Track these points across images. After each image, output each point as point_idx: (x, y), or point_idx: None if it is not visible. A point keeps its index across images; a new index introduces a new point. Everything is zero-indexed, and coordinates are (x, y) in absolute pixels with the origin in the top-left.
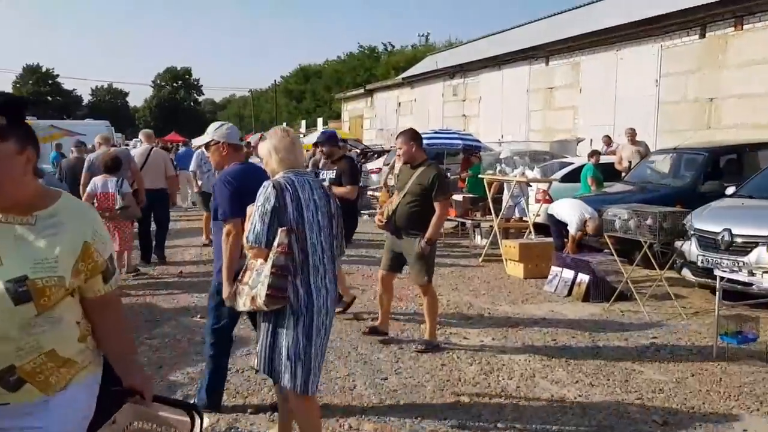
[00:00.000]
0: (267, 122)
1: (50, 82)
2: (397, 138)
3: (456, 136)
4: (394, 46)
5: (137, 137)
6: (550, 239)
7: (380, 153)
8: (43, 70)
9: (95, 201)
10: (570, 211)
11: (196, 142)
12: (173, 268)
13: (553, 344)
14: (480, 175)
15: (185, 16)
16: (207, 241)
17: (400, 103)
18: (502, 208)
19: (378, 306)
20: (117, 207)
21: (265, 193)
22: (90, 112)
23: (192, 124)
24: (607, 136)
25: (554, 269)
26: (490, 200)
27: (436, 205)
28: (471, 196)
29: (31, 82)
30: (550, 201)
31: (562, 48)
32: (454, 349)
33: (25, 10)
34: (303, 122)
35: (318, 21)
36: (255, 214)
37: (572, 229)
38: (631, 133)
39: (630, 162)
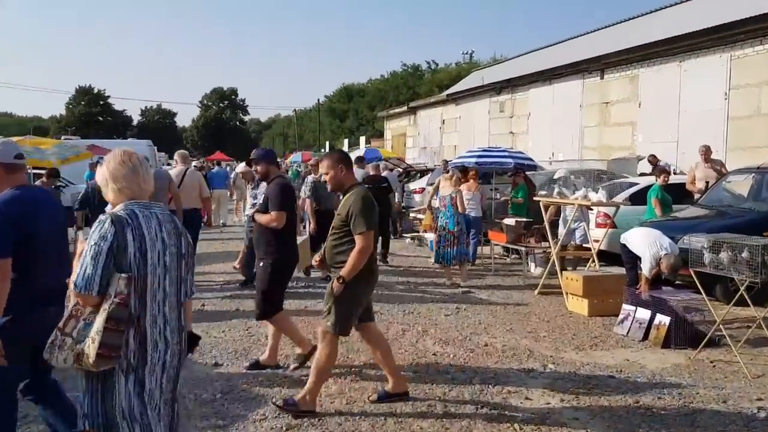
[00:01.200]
0: (311, 141)
1: (101, 102)
2: (322, 160)
3: (506, 154)
4: (437, 64)
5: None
6: (618, 270)
7: (423, 172)
8: (95, 91)
9: None
10: (642, 245)
11: None
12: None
13: (636, 406)
14: (536, 198)
15: (232, 37)
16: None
17: (444, 121)
18: (560, 234)
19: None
20: None
21: (101, 230)
22: (139, 132)
23: (238, 144)
24: (653, 155)
25: (626, 308)
26: (547, 225)
27: (356, 238)
28: (525, 220)
29: (83, 102)
30: (614, 226)
31: (619, 60)
32: (515, 415)
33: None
34: (346, 141)
35: (361, 40)
36: (86, 255)
37: (645, 268)
38: (705, 151)
39: (706, 183)
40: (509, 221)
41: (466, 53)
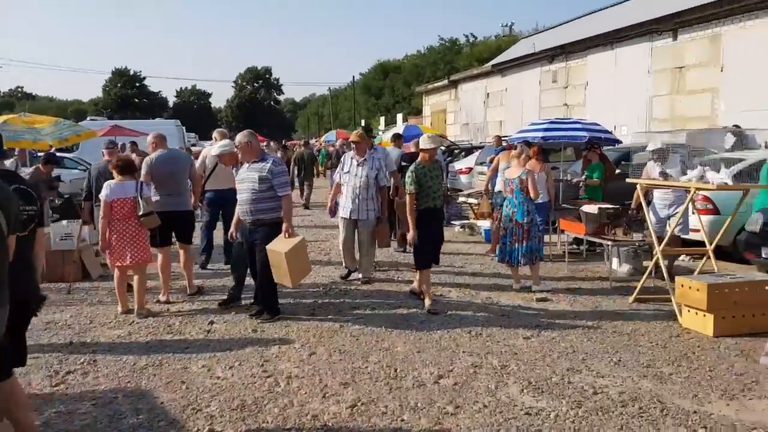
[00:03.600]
0: (345, 120)
1: (137, 84)
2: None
3: (579, 126)
4: (476, 37)
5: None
6: (746, 272)
7: (468, 150)
8: (131, 73)
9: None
10: None
11: None
12: (202, 318)
13: None
14: (629, 180)
15: (264, 16)
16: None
17: (488, 94)
18: (650, 223)
19: None
20: (140, 213)
21: None
22: (174, 113)
23: (273, 124)
24: (736, 125)
25: None
26: (647, 212)
27: None
28: (610, 206)
29: (119, 84)
30: (717, 212)
31: (697, 18)
32: None
33: (115, 14)
34: (382, 119)
35: (396, 14)
36: None
37: None
38: None
39: None
40: (590, 208)
41: (506, 25)
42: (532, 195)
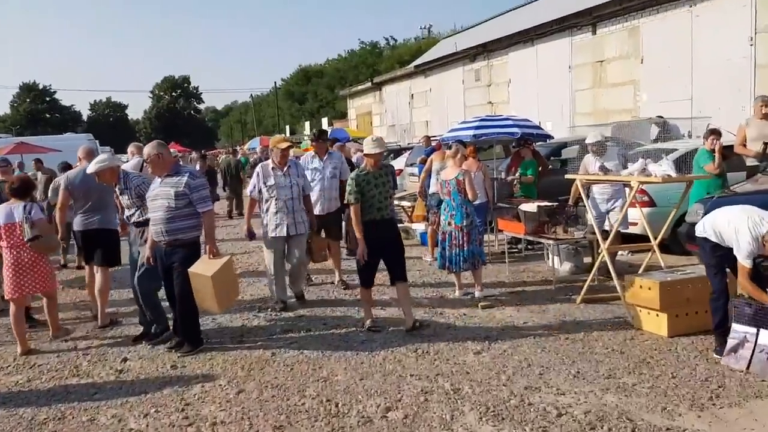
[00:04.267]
0: (269, 126)
1: (48, 99)
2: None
3: (511, 122)
4: (396, 40)
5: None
6: (694, 268)
7: (397, 152)
8: (40, 87)
9: None
10: (740, 225)
11: None
12: (114, 354)
13: None
14: (568, 176)
15: (180, 22)
16: None
17: (413, 95)
18: (589, 219)
19: None
20: (26, 238)
21: None
22: (89, 127)
23: (194, 133)
24: (659, 116)
25: (738, 330)
26: (589, 207)
27: None
28: (548, 204)
29: (28, 100)
30: (653, 204)
31: (615, 11)
32: None
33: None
34: (307, 124)
35: (315, 20)
36: None
37: (742, 257)
38: (764, 103)
39: (765, 144)
40: (528, 206)
41: (424, 28)
42: (470, 196)
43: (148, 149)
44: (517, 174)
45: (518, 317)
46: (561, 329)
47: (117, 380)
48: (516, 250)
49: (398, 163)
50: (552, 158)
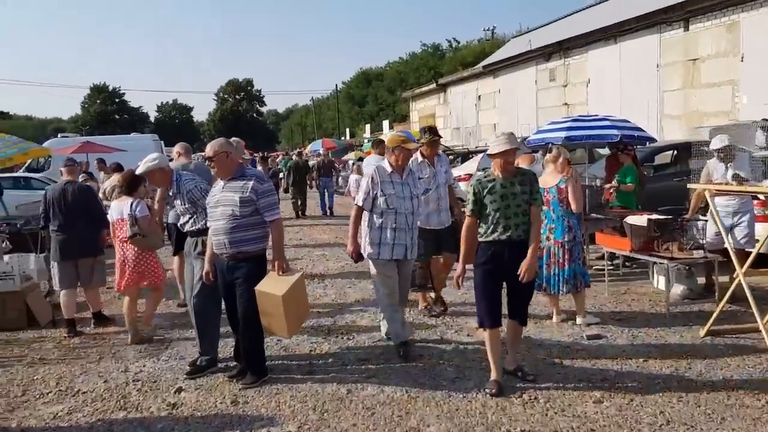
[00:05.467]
0: (329, 129)
1: (117, 100)
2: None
3: (608, 123)
4: (459, 42)
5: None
6: None
7: (464, 156)
8: (110, 88)
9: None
10: None
11: None
12: (168, 383)
13: None
14: (691, 186)
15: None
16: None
17: (480, 96)
18: (709, 235)
19: None
20: (128, 235)
21: None
22: (156, 128)
23: (256, 136)
24: (766, 119)
25: None
26: (718, 220)
27: None
28: (659, 217)
29: (98, 101)
30: None
31: (710, 5)
32: None
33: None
34: (367, 126)
35: (376, 23)
36: None
37: None
38: None
39: None
40: (636, 219)
41: (488, 29)
42: (573, 207)
43: (215, 146)
44: (615, 182)
45: (634, 352)
46: (691, 370)
47: (169, 415)
48: (611, 267)
49: (469, 167)
50: (644, 164)
